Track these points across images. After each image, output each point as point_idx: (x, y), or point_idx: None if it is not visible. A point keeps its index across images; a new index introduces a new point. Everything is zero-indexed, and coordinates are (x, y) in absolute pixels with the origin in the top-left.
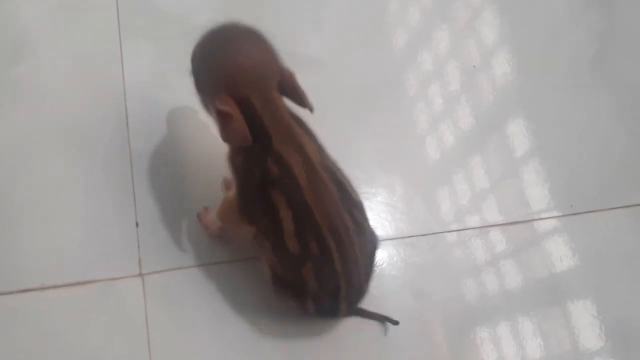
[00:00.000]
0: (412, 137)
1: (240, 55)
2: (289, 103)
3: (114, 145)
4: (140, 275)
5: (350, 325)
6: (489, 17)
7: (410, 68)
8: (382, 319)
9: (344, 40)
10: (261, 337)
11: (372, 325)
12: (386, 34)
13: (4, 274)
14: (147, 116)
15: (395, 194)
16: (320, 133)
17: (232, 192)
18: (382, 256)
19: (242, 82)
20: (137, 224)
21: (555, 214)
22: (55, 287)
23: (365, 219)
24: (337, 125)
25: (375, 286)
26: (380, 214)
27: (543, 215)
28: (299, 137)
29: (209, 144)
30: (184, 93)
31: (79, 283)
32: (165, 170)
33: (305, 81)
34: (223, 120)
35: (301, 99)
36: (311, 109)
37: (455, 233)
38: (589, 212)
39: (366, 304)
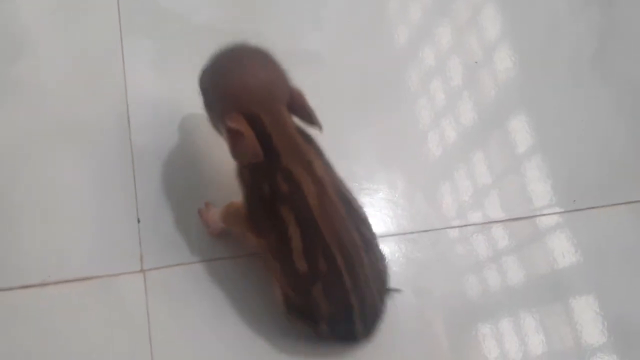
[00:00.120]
0: (414, 134)
1: (250, 74)
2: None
3: (115, 142)
4: (142, 271)
5: None
6: (490, 13)
7: (411, 64)
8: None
9: (345, 36)
10: (262, 333)
11: None
12: (387, 30)
13: (5, 270)
14: (148, 113)
15: (396, 190)
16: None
17: (240, 200)
18: (384, 252)
19: (252, 101)
20: (138, 220)
21: (557, 210)
22: (56, 283)
23: (374, 235)
24: (338, 122)
25: None
26: (381, 210)
27: (545, 212)
28: (307, 154)
29: (210, 140)
30: (184, 90)
31: (80, 279)
32: (167, 166)
33: (305, 78)
34: (234, 138)
35: (310, 118)
36: (320, 128)
37: (457, 229)
38: (591, 208)
39: None
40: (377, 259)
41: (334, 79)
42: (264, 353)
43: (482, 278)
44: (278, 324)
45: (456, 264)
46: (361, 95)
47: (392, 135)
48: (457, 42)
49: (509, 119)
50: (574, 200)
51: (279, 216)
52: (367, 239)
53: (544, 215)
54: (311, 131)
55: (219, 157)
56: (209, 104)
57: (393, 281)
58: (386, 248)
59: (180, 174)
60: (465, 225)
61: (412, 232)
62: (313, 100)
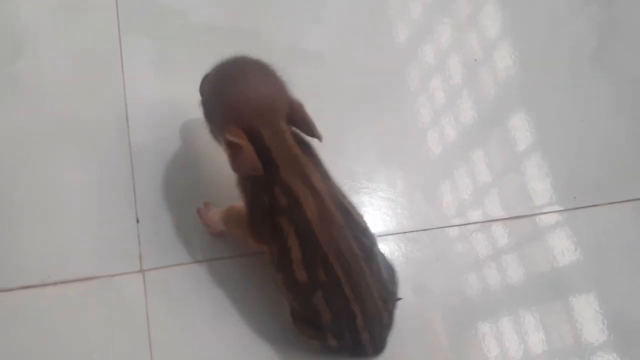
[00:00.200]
0: (413, 132)
1: (250, 88)
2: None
3: (114, 142)
4: (141, 271)
5: None
6: (490, 11)
7: (411, 63)
8: None
9: (345, 34)
10: (262, 332)
11: None
12: (387, 29)
13: (4, 270)
14: (147, 113)
15: (396, 189)
16: (321, 127)
17: (241, 205)
18: (383, 251)
19: (252, 115)
20: (137, 220)
21: (557, 208)
22: (55, 283)
23: (374, 244)
24: (337, 121)
25: None
26: (381, 209)
27: (545, 210)
28: (305, 167)
29: (209, 140)
30: (184, 90)
31: (79, 279)
32: (166, 166)
33: (305, 77)
34: (233, 151)
35: (310, 129)
36: (320, 139)
37: (456, 228)
38: (591, 206)
39: None
40: (380, 268)
41: (334, 77)
42: (263, 353)
43: (481, 276)
44: (277, 324)
45: (456, 263)
46: (361, 94)
47: (391, 134)
48: (456, 40)
49: (508, 117)
50: (575, 197)
51: (278, 227)
52: (367, 248)
53: (544, 213)
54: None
55: (218, 157)
56: (209, 116)
57: None
58: (386, 247)
59: (179, 174)
60: (465, 224)
61: (411, 231)
62: (313, 100)
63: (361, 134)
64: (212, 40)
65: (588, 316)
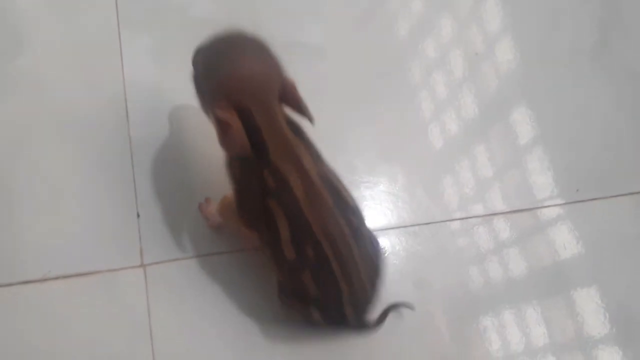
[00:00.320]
0: (414, 126)
1: (243, 64)
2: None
3: (114, 136)
4: (142, 265)
5: None
6: (491, 5)
7: (412, 57)
8: (395, 307)
9: (345, 28)
10: (262, 326)
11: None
12: (387, 23)
13: (5, 265)
14: (147, 106)
15: (397, 183)
16: (321, 121)
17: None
18: (384, 245)
19: (243, 92)
20: (138, 215)
21: (558, 201)
22: (56, 278)
23: (362, 223)
24: (338, 115)
25: None
26: (382, 203)
27: (546, 203)
28: (296, 148)
29: (209, 134)
30: (183, 83)
31: (80, 274)
32: (166, 160)
33: (305, 72)
34: (222, 128)
35: (302, 110)
36: (312, 120)
37: (458, 222)
38: (593, 199)
39: None
40: (366, 245)
41: (334, 72)
42: (263, 346)
43: (483, 270)
44: (278, 318)
45: (457, 257)
46: (361, 88)
47: (392, 129)
48: (458, 34)
49: (509, 111)
50: (577, 190)
51: (267, 208)
52: (355, 226)
53: (545, 207)
54: (304, 123)
55: (219, 152)
56: (200, 90)
57: (394, 274)
58: (387, 241)
59: (180, 169)
60: (466, 218)
61: (412, 225)
62: (313, 94)
63: (362, 128)
64: (210, 33)
65: (589, 309)
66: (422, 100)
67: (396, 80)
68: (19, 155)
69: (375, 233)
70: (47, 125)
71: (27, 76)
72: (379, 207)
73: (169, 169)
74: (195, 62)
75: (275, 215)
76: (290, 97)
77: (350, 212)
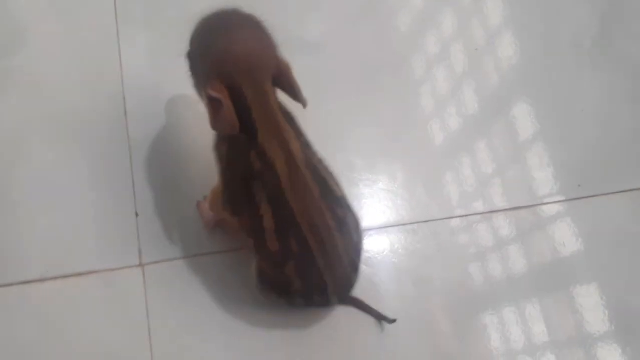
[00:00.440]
0: (414, 123)
1: (237, 42)
2: (282, 96)
3: (112, 135)
4: (141, 265)
5: (349, 313)
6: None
7: (412, 52)
8: (379, 317)
9: (345, 22)
10: (261, 325)
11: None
12: (388, 17)
13: (4, 266)
14: (146, 104)
15: (396, 181)
16: (320, 118)
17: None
18: (383, 244)
19: (236, 71)
20: (136, 214)
21: (558, 198)
22: (55, 278)
23: (346, 212)
24: (337, 111)
25: (376, 274)
26: (381, 200)
27: (546, 200)
28: (285, 133)
29: (208, 132)
30: (182, 80)
31: (79, 274)
32: (165, 159)
33: (305, 67)
34: (213, 106)
35: (295, 93)
36: (304, 104)
37: (457, 219)
38: (593, 196)
39: (366, 292)
40: (350, 233)
41: (334, 67)
42: (262, 345)
43: (483, 267)
44: (277, 316)
45: (457, 254)
46: (361, 84)
47: (391, 125)
48: (458, 29)
49: (510, 107)
50: (579, 185)
51: (251, 194)
52: (340, 218)
53: (545, 204)
54: (297, 112)
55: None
56: (194, 69)
57: (393, 272)
58: (386, 239)
59: (178, 168)
60: (466, 215)
61: (412, 223)
62: (312, 90)
63: (361, 125)
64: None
65: (589, 306)
66: (422, 96)
67: (396, 76)
68: (17, 155)
69: (371, 231)
70: (44, 123)
71: (25, 74)
72: (378, 205)
73: (168, 168)
74: (191, 41)
75: (258, 201)
76: (284, 79)
77: (336, 203)
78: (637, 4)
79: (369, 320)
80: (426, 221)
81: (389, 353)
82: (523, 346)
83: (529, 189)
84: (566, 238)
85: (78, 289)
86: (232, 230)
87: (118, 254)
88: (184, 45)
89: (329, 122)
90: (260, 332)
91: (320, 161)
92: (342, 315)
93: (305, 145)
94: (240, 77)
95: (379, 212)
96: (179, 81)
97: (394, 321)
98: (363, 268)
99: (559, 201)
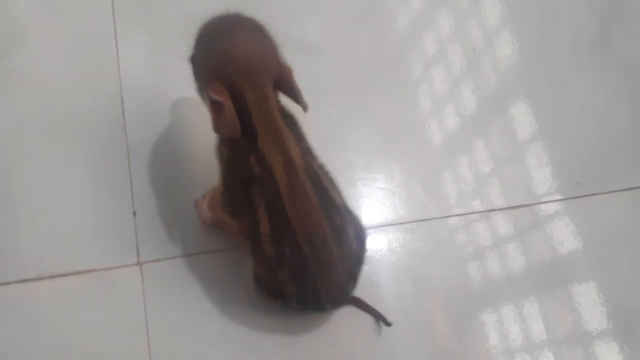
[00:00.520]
0: (412, 122)
1: (237, 45)
2: (285, 99)
3: (110, 134)
4: (139, 264)
5: (347, 313)
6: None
7: (410, 52)
8: (378, 317)
9: (343, 24)
10: (259, 324)
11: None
12: (386, 17)
13: (1, 264)
14: (143, 104)
15: (394, 180)
16: (319, 119)
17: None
18: (381, 242)
19: (236, 73)
20: (134, 213)
21: (556, 197)
22: (52, 277)
23: (345, 222)
24: (335, 110)
25: (375, 273)
26: (379, 199)
27: (544, 199)
28: (285, 138)
29: (206, 131)
30: (180, 81)
31: (76, 273)
32: (163, 158)
33: (302, 67)
34: (215, 109)
35: (296, 97)
36: (305, 108)
37: (456, 218)
38: (591, 195)
39: (364, 291)
40: (350, 244)
41: (332, 68)
42: (260, 344)
43: (481, 266)
44: (275, 315)
45: (455, 253)
46: (359, 84)
47: (390, 125)
48: (456, 29)
49: (508, 106)
50: (578, 183)
51: (250, 197)
52: (338, 227)
53: (543, 202)
54: (299, 115)
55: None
56: (196, 72)
57: (391, 271)
58: (384, 238)
59: (176, 167)
60: (464, 214)
61: (410, 222)
62: (311, 91)
63: (359, 125)
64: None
65: (588, 305)
66: (420, 96)
67: (394, 76)
68: (14, 154)
69: (370, 229)
70: (42, 123)
71: (22, 74)
72: (376, 204)
73: (166, 167)
74: (194, 44)
75: (256, 205)
76: (285, 82)
77: (335, 212)
78: (636, 3)
79: (368, 319)
80: (424, 220)
81: (387, 352)
82: (521, 344)
83: (527, 188)
84: (564, 236)
85: (76, 287)
86: (229, 230)
87: (116, 253)
88: (182, 45)
89: (328, 123)
90: (258, 331)
91: (321, 167)
92: (340, 314)
93: (306, 151)
94: (240, 80)
95: (377, 211)
96: (177, 81)
97: (390, 324)
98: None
99: (557, 200)
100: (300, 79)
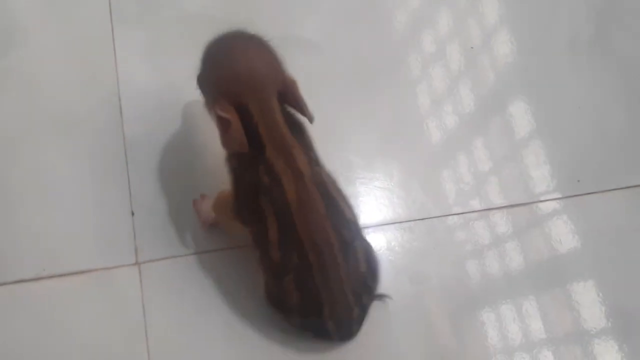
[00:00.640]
0: (410, 121)
1: (243, 63)
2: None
3: (107, 133)
4: (137, 264)
5: None
6: None
7: (408, 51)
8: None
9: (341, 23)
10: (258, 324)
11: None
12: (384, 16)
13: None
14: (141, 104)
15: (392, 179)
16: (319, 118)
17: (229, 188)
18: (380, 241)
19: (241, 89)
20: (132, 213)
21: (555, 195)
22: (50, 277)
23: (354, 237)
24: (334, 110)
25: None
26: (377, 198)
27: (543, 198)
28: (292, 149)
29: (204, 131)
30: (177, 79)
31: (74, 273)
32: (161, 158)
33: (300, 66)
34: (222, 126)
35: (301, 109)
36: (311, 119)
37: (455, 217)
38: (590, 193)
39: None
40: (358, 262)
41: (331, 67)
42: (258, 344)
43: (480, 265)
44: (272, 316)
45: (453, 252)
46: (357, 83)
47: (388, 123)
48: (454, 27)
49: (506, 105)
50: (578, 180)
51: (260, 206)
52: (346, 240)
53: (542, 201)
54: (304, 122)
55: (214, 148)
56: (203, 90)
57: (389, 270)
58: (382, 236)
59: (174, 166)
60: (463, 213)
61: (408, 221)
62: (308, 89)
63: (358, 123)
64: (206, 30)
65: (586, 303)
66: (418, 95)
67: (393, 75)
68: (12, 153)
69: (368, 228)
70: (39, 122)
71: (19, 73)
72: (374, 203)
73: (163, 166)
74: (200, 62)
75: (266, 214)
76: (290, 95)
77: (343, 224)
78: (634, 2)
79: (366, 318)
80: (423, 219)
81: (386, 350)
82: (520, 343)
83: (526, 187)
84: (563, 235)
85: (74, 287)
86: (227, 227)
87: (114, 253)
88: (179, 44)
89: (326, 121)
90: (257, 331)
91: (328, 176)
92: None
93: (314, 161)
94: (245, 96)
95: (376, 210)
96: (175, 81)
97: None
98: None
99: (556, 198)
100: (300, 79)
